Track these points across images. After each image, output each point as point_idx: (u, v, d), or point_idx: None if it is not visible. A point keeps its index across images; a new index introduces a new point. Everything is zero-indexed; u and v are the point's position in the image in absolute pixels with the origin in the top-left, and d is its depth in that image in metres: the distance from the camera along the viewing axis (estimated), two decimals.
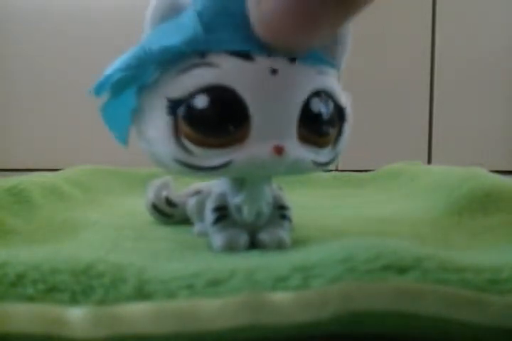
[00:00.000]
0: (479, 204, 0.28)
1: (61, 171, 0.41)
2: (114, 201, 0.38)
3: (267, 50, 0.17)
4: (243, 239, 0.20)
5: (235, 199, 0.20)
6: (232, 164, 0.17)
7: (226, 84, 0.17)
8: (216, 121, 0.17)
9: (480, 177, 0.32)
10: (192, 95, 0.17)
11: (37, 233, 0.25)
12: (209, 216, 0.21)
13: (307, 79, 0.18)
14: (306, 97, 0.18)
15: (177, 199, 0.28)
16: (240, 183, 0.20)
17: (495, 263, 0.14)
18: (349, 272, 0.13)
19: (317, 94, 0.18)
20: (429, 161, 0.89)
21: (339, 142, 0.20)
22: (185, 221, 0.27)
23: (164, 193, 0.28)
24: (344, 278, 0.13)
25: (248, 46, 0.17)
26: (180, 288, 0.13)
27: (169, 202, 0.28)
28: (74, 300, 0.13)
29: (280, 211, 0.21)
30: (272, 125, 0.17)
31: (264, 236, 0.20)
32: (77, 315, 0.12)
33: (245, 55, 0.17)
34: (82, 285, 0.13)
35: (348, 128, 0.20)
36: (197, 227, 0.24)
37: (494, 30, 0.88)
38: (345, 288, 0.12)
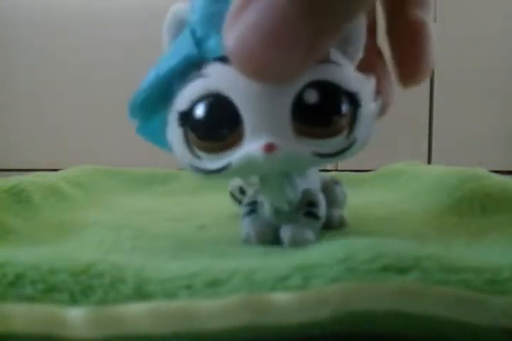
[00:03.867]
0: (479, 205, 0.28)
1: (61, 171, 0.41)
2: (114, 201, 0.38)
3: None
4: (265, 234, 0.21)
5: (260, 196, 0.22)
6: (230, 166, 0.18)
7: (217, 90, 0.18)
8: (211, 126, 0.18)
9: (480, 178, 0.32)
10: (192, 106, 0.18)
11: (37, 233, 0.24)
12: (243, 208, 0.23)
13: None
14: (299, 89, 0.18)
15: (247, 188, 0.30)
16: (260, 181, 0.21)
17: (495, 263, 0.14)
18: (349, 272, 0.13)
19: (313, 85, 0.18)
20: (429, 161, 0.89)
21: (354, 129, 0.19)
22: None
23: (239, 182, 0.31)
24: (344, 278, 0.13)
25: None
26: (180, 288, 0.13)
27: (241, 190, 0.31)
28: (73, 301, 0.13)
29: (307, 208, 0.22)
30: (264, 123, 0.18)
31: (284, 232, 0.21)
32: (76, 315, 0.12)
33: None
34: (82, 285, 0.13)
35: (364, 113, 0.19)
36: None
37: (494, 30, 0.88)
38: (345, 288, 0.12)
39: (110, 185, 0.43)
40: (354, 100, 0.19)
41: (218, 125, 0.18)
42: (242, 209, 0.23)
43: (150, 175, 0.47)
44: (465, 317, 0.12)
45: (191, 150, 0.19)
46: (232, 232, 0.24)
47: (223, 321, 0.12)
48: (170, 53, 0.19)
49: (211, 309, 0.12)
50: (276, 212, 0.21)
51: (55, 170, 0.41)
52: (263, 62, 0.15)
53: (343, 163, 0.82)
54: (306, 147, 0.18)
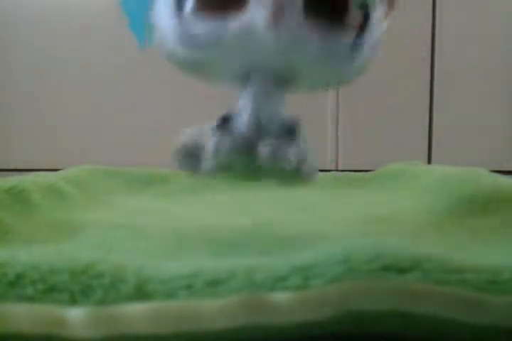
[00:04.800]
0: (479, 205, 0.28)
1: (61, 171, 0.41)
2: (114, 201, 0.38)
3: None
4: (234, 145, 0.18)
5: (238, 104, 0.19)
6: (227, 35, 0.16)
7: None
8: None
9: (480, 178, 0.32)
10: None
11: (37, 233, 0.24)
12: (211, 127, 0.20)
13: None
14: None
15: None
16: (246, 85, 0.19)
17: (495, 263, 0.14)
18: (349, 272, 0.13)
19: None
20: (429, 161, 0.88)
21: (362, 35, 0.17)
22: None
23: (197, 138, 0.28)
24: (344, 278, 0.13)
25: None
26: (180, 288, 0.13)
27: (197, 145, 0.27)
28: (73, 300, 0.13)
29: (288, 131, 0.19)
30: None
31: (262, 147, 0.18)
32: (76, 315, 0.12)
33: None
34: (82, 285, 0.13)
35: (373, 23, 0.18)
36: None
37: (494, 29, 0.88)
38: (344, 288, 0.12)
39: (110, 185, 0.43)
40: (366, 7, 0.17)
41: None
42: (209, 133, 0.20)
43: (150, 175, 0.47)
44: (465, 317, 0.12)
45: (181, 17, 0.17)
46: (232, 232, 0.24)
47: (223, 320, 0.12)
48: None
49: (211, 309, 0.12)
50: (257, 123, 0.18)
51: (55, 170, 0.41)
52: None
53: (343, 163, 0.82)
54: (315, 38, 0.16)
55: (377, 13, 0.18)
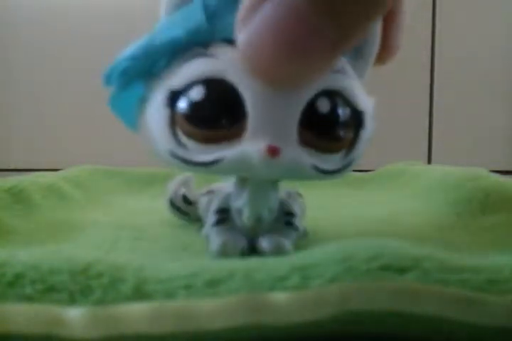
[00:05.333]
0: (479, 205, 0.28)
1: (61, 171, 0.41)
2: (114, 201, 0.38)
3: None
4: (240, 243, 0.19)
5: (236, 202, 0.19)
6: (223, 161, 0.16)
7: (223, 76, 0.16)
8: (210, 114, 0.16)
9: (480, 178, 0.32)
10: (189, 87, 0.16)
11: (36, 233, 0.24)
12: (210, 217, 0.20)
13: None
14: (311, 96, 0.16)
15: (193, 198, 0.27)
16: (243, 185, 0.19)
17: (494, 263, 0.14)
18: (348, 272, 0.13)
19: (327, 93, 0.17)
20: (429, 161, 0.88)
21: (354, 149, 0.18)
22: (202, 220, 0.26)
23: (183, 190, 0.28)
24: (343, 278, 0.13)
25: None
26: (179, 288, 0.13)
27: (186, 200, 0.28)
28: (72, 300, 0.13)
29: (286, 217, 0.20)
30: (270, 124, 0.16)
31: (263, 242, 0.19)
32: (75, 315, 0.12)
33: None
34: (81, 285, 0.13)
35: (365, 134, 0.18)
36: (205, 228, 0.23)
37: (494, 29, 0.88)
38: (344, 288, 0.12)
39: (110, 185, 0.43)
40: (359, 119, 0.18)
41: (218, 114, 0.16)
42: (208, 218, 0.20)
43: (150, 175, 0.47)
44: (465, 317, 0.12)
45: (175, 136, 0.17)
46: None
47: (222, 321, 0.12)
48: (171, 23, 0.17)
49: (210, 309, 0.12)
50: (257, 220, 0.19)
51: (55, 170, 0.41)
52: (277, 65, 0.14)
53: None
54: (308, 159, 0.17)
55: (368, 129, 0.18)
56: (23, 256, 0.14)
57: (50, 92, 0.90)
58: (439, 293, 0.12)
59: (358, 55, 0.18)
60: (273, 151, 0.16)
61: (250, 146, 0.16)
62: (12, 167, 0.88)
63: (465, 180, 0.32)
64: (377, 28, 0.18)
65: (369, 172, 0.49)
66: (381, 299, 0.12)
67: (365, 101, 0.18)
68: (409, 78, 0.87)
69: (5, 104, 0.90)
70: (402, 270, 0.13)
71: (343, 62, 0.18)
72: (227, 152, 0.16)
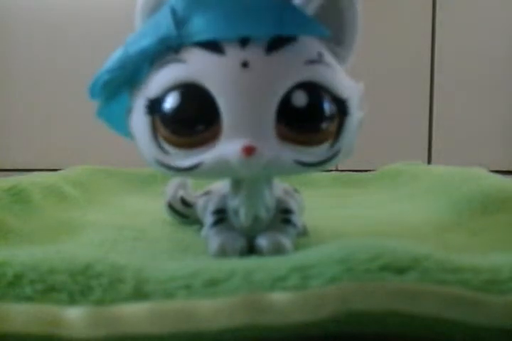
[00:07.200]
0: (479, 205, 0.28)
1: (61, 171, 0.41)
2: (114, 201, 0.38)
3: (242, 38, 0.16)
4: (239, 243, 0.19)
5: (232, 202, 0.19)
6: (202, 165, 0.16)
7: (195, 80, 0.16)
8: (185, 119, 0.17)
9: (480, 178, 0.32)
10: (164, 94, 0.17)
11: (36, 233, 0.24)
12: (208, 218, 0.20)
13: (288, 71, 0.16)
14: (285, 91, 0.16)
15: (192, 200, 0.27)
16: (238, 185, 0.19)
17: (494, 263, 0.14)
18: (347, 272, 0.13)
19: (302, 86, 0.16)
20: (429, 161, 0.88)
21: (340, 138, 0.17)
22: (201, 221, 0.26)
23: (180, 193, 0.28)
24: (342, 278, 0.13)
25: (221, 34, 0.16)
26: (178, 288, 0.13)
27: (184, 202, 0.28)
28: (72, 300, 0.13)
29: (283, 215, 0.20)
30: (245, 123, 0.16)
31: (262, 241, 0.19)
32: (75, 315, 0.12)
33: (215, 47, 0.16)
34: (81, 285, 0.13)
35: (352, 122, 0.18)
36: (204, 229, 0.23)
37: (494, 29, 0.88)
38: (343, 288, 0.12)
39: (110, 185, 0.43)
40: (343, 107, 0.17)
41: (193, 119, 0.16)
42: (206, 219, 0.21)
43: (150, 175, 0.47)
44: (464, 317, 0.12)
45: (157, 143, 0.17)
46: None
47: (222, 321, 0.12)
48: (142, 32, 0.17)
49: (210, 309, 0.12)
50: (254, 219, 0.19)
51: (55, 170, 0.41)
52: None
53: (343, 163, 0.82)
54: (289, 154, 0.17)
55: (355, 115, 0.18)
56: (23, 256, 0.14)
57: (50, 92, 0.90)
58: (438, 293, 0.12)
59: (338, 40, 0.18)
60: (249, 150, 0.16)
61: (227, 148, 0.16)
62: (12, 167, 0.88)
63: (465, 181, 0.32)
64: (356, 13, 0.18)
65: (369, 172, 0.49)
66: (380, 299, 0.12)
67: (349, 88, 0.18)
68: (410, 78, 0.87)
69: (5, 104, 0.90)
70: (401, 270, 0.13)
71: (321, 48, 0.17)
72: (205, 156, 0.16)
